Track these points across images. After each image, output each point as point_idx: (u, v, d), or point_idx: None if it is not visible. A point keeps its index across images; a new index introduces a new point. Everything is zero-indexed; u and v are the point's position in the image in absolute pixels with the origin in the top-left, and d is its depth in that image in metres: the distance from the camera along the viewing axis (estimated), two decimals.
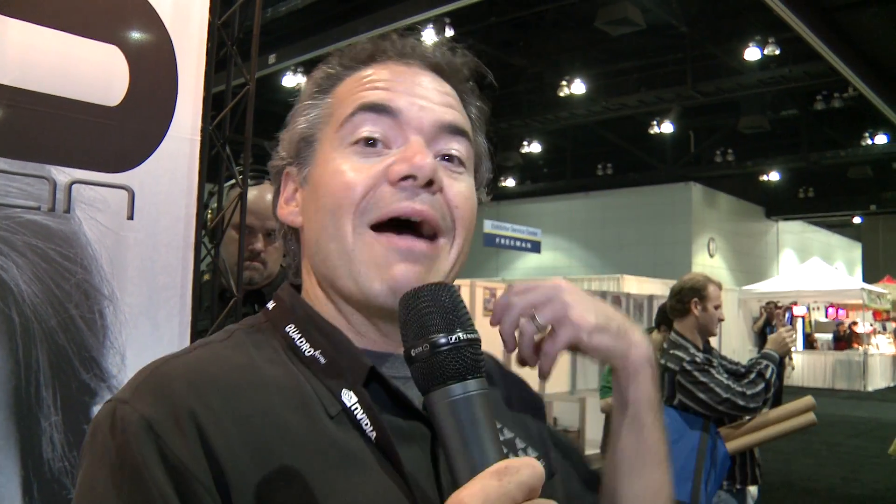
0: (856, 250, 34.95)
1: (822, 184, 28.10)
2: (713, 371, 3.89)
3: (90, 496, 0.78)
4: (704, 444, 3.79)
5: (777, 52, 15.93)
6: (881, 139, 21.62)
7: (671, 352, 4.02)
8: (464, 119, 0.98)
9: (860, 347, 20.86)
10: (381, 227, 0.89)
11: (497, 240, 17.14)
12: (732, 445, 3.95)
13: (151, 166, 2.31)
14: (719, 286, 4.23)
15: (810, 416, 4.23)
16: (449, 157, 0.95)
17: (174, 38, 2.35)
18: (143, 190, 2.29)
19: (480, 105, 1.06)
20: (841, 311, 22.85)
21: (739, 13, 15.53)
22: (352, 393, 0.88)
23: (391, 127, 0.92)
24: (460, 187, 0.94)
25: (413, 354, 0.76)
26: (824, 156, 23.36)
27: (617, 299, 11.13)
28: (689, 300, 4.13)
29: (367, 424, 0.86)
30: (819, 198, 28.93)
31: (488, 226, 16.50)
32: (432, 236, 0.92)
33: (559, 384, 9.41)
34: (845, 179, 26.08)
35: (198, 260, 2.53)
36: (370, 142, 0.91)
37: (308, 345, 0.93)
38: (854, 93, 16.84)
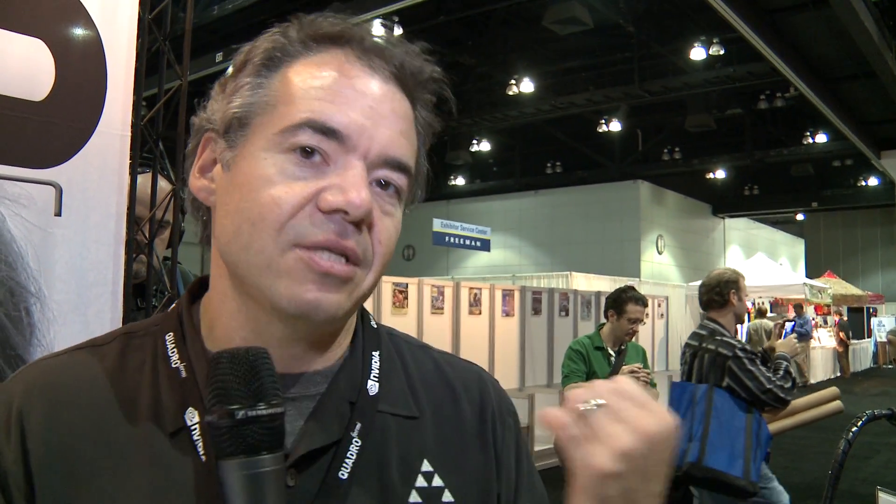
0: (799, 246, 35.76)
1: (767, 182, 28.70)
2: (758, 362, 4.21)
3: None
4: (750, 425, 4.10)
5: (721, 52, 16.23)
6: (821, 138, 22.17)
7: (717, 338, 4.28)
8: (410, 151, 0.91)
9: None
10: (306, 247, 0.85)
11: (447, 238, 17.14)
12: (771, 427, 4.29)
13: (80, 162, 2.28)
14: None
15: (838, 404, 4.70)
16: (386, 183, 0.88)
17: (102, 32, 2.32)
18: (72, 186, 2.26)
19: (431, 120, 0.98)
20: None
21: (685, 13, 15.78)
22: (196, 412, 0.85)
23: (335, 149, 0.85)
24: (387, 225, 0.89)
25: (206, 420, 0.77)
26: (768, 154, 23.86)
27: (565, 296, 11.23)
28: (728, 292, 4.40)
29: (199, 447, 0.84)
30: (764, 195, 29.54)
31: (438, 225, 16.50)
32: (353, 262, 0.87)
33: (508, 381, 9.48)
34: (789, 177, 26.68)
35: (130, 256, 2.50)
36: (308, 150, 0.84)
37: (177, 356, 0.91)
38: (795, 93, 17.21)
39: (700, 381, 4.24)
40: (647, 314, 13.00)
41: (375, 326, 1.04)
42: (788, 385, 4.15)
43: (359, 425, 0.90)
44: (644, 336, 12.69)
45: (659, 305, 13.82)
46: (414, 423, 0.96)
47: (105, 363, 0.91)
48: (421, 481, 0.92)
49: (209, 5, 13.39)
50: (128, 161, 2.42)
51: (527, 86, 18.54)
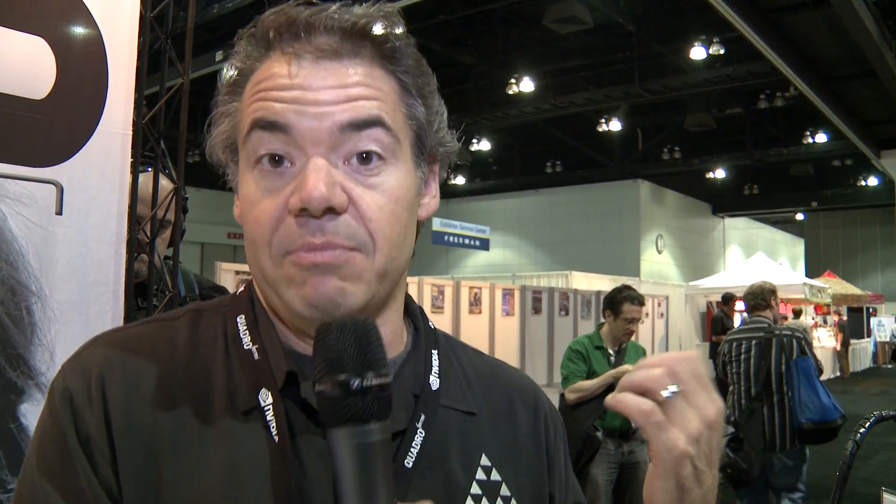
0: (799, 246, 35.79)
1: (767, 181, 28.71)
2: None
3: (30, 451, 0.88)
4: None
5: (721, 51, 16.24)
6: (821, 138, 22.17)
7: (782, 325, 5.67)
8: (373, 104, 0.88)
9: None
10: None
11: (446, 238, 17.16)
12: None
13: (81, 161, 2.27)
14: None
15: None
16: (365, 156, 0.87)
17: (104, 30, 2.31)
18: (73, 185, 2.25)
19: (413, 63, 0.94)
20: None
21: (685, 13, 15.78)
22: (269, 393, 0.88)
23: (287, 143, 0.85)
24: (374, 199, 0.86)
25: (317, 390, 0.76)
26: (768, 154, 23.86)
27: (565, 295, 11.23)
28: (769, 298, 5.62)
29: (273, 427, 0.86)
30: (763, 195, 29.56)
31: (437, 224, 16.52)
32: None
33: None
34: (788, 177, 26.68)
35: (131, 255, 2.49)
36: (275, 157, 0.86)
37: (249, 338, 0.93)
38: (795, 92, 17.22)
39: (779, 356, 5.31)
40: (646, 313, 13.01)
41: (433, 328, 1.06)
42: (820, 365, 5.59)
43: (423, 416, 0.93)
44: (644, 335, 12.70)
45: (659, 305, 13.83)
46: (472, 418, 0.99)
47: (178, 337, 0.93)
48: (481, 474, 0.96)
49: (209, 4, 13.39)
50: (129, 160, 2.41)
51: (527, 85, 18.54)
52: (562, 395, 5.21)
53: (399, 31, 0.92)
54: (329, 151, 0.86)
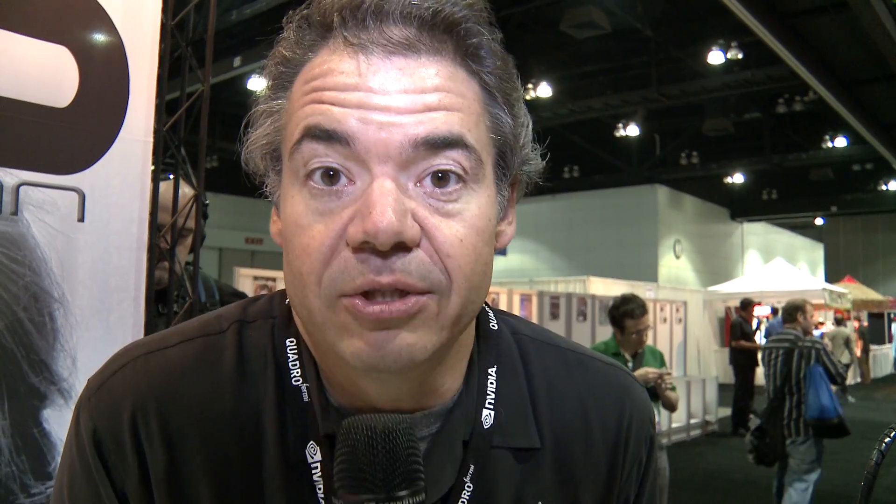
0: (818, 251, 35.49)
1: (785, 186, 28.51)
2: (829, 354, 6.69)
3: (59, 482, 0.82)
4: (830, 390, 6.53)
5: (740, 55, 16.13)
6: (841, 142, 22.00)
7: (807, 337, 6.68)
8: (454, 117, 0.73)
9: None
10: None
11: None
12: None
13: (103, 168, 2.29)
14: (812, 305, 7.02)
15: None
16: (442, 176, 0.72)
17: (125, 38, 2.33)
18: (95, 192, 2.27)
19: (501, 63, 0.78)
20: None
21: (703, 17, 15.70)
22: (318, 448, 0.79)
23: (347, 156, 0.71)
24: (453, 227, 0.72)
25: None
26: (787, 158, 23.70)
27: (583, 301, 11.20)
28: (795, 313, 6.79)
29: (319, 489, 0.78)
30: (782, 199, 29.35)
31: None
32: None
33: None
34: (807, 181, 26.50)
35: (152, 262, 2.51)
36: (330, 172, 0.71)
37: (298, 372, 0.82)
38: (814, 96, 17.09)
39: (798, 363, 6.50)
40: (664, 319, 12.94)
41: (496, 328, 0.92)
42: (842, 370, 6.62)
43: (472, 468, 0.81)
44: (662, 340, 12.64)
45: (677, 310, 13.75)
46: (533, 455, 0.86)
47: (223, 363, 0.83)
48: None
49: (228, 10, 13.47)
50: (150, 167, 2.43)
51: (544, 90, 18.51)
52: None
53: (486, 24, 0.77)
54: (398, 170, 0.71)
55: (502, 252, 19.49)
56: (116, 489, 0.78)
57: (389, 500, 0.66)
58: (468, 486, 0.80)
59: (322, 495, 0.77)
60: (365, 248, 0.69)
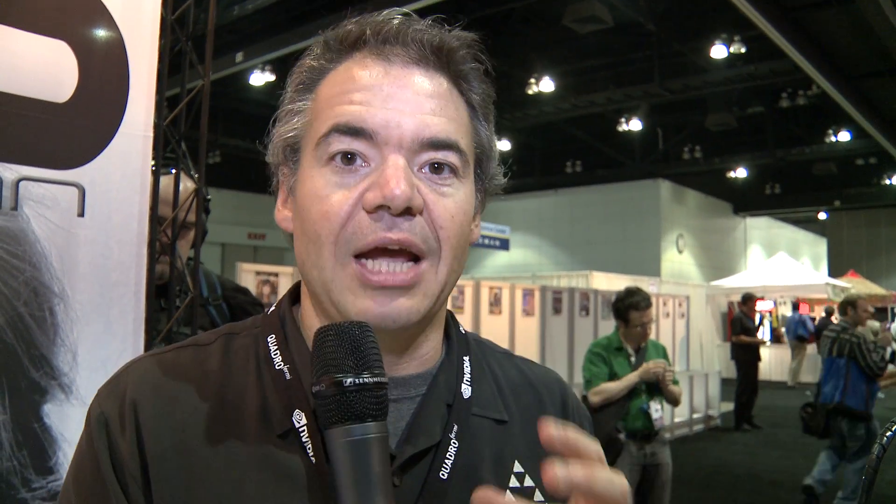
0: (821, 245, 35.43)
1: (788, 180, 28.45)
2: (870, 348, 7.48)
3: (69, 471, 0.91)
4: (868, 383, 7.46)
5: (743, 49, 16.08)
6: (844, 136, 21.93)
7: (850, 331, 7.57)
8: (451, 126, 0.91)
9: None
10: (363, 254, 0.87)
11: None
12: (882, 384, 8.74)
13: (103, 163, 2.29)
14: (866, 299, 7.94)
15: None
16: (438, 166, 0.90)
17: (125, 33, 2.32)
18: (95, 187, 2.27)
19: (484, 88, 0.99)
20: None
21: (705, 11, 15.66)
22: (303, 414, 0.88)
23: (368, 146, 0.87)
24: (447, 204, 0.89)
25: (315, 391, 0.78)
26: (790, 153, 23.65)
27: (585, 296, 11.19)
28: (846, 307, 7.71)
29: (309, 448, 0.87)
30: (785, 194, 29.29)
31: None
32: (416, 259, 0.89)
33: None
34: (810, 176, 26.42)
35: (153, 257, 2.51)
36: (348, 156, 0.88)
37: (280, 358, 0.94)
38: (818, 90, 17.05)
39: (840, 355, 7.47)
40: (667, 313, 12.93)
41: (464, 332, 1.08)
42: (882, 365, 7.35)
43: (456, 427, 0.94)
44: (665, 335, 12.63)
45: (680, 305, 13.73)
46: (504, 426, 1.00)
47: (211, 362, 0.95)
48: (514, 482, 0.97)
49: (229, 5, 13.45)
50: (150, 162, 2.42)
51: (547, 84, 18.48)
52: (584, 398, 5.20)
53: (473, 56, 0.97)
54: (407, 157, 0.87)
55: (505, 247, 19.51)
56: (115, 463, 0.86)
57: (358, 376, 0.77)
58: (454, 443, 0.93)
59: (312, 453, 0.86)
60: (380, 210, 0.85)
